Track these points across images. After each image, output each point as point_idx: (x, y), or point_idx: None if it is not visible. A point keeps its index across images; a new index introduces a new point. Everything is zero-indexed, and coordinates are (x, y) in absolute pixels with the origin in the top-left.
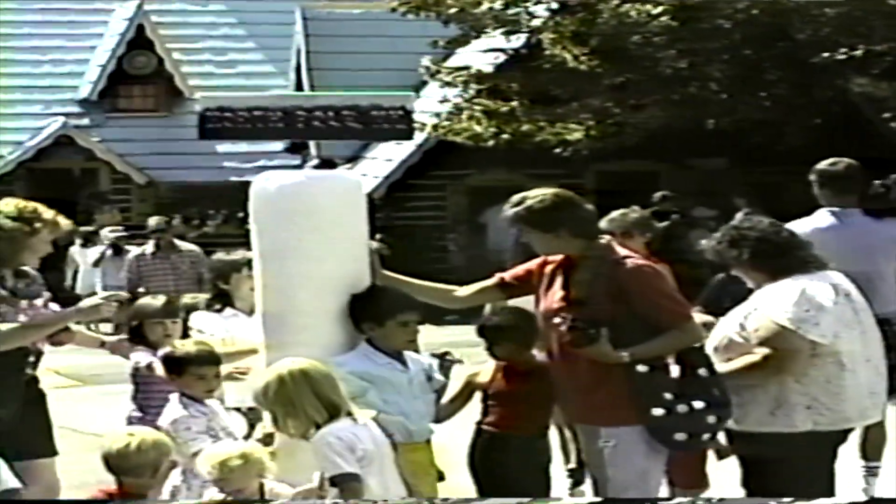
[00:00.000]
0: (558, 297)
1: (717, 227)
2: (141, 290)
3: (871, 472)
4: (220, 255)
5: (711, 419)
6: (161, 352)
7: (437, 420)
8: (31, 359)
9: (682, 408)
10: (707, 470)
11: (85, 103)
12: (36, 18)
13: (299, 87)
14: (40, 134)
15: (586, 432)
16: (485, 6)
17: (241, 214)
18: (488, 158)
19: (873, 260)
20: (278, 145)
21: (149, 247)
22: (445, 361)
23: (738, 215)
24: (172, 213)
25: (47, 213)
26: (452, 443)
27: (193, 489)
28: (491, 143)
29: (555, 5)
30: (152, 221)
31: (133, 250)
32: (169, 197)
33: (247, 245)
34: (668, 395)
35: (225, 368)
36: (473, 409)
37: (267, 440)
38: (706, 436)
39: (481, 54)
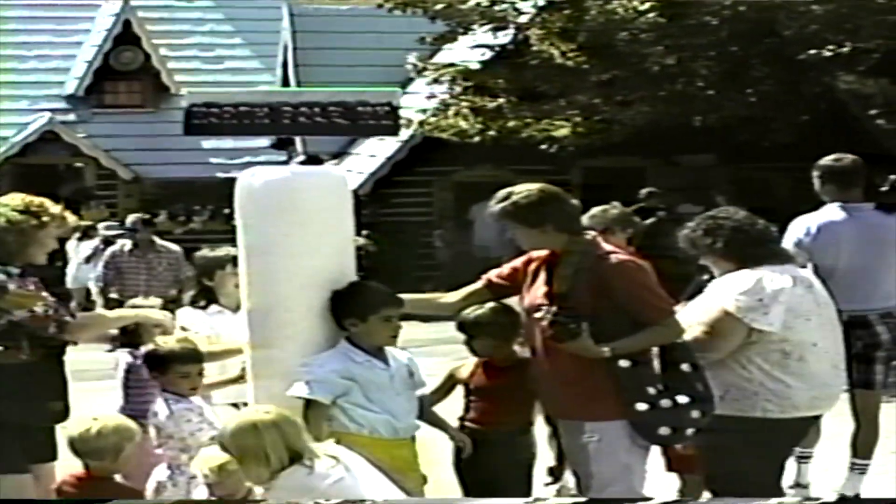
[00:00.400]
0: (541, 292)
1: None
2: (113, 288)
3: (859, 470)
4: (204, 252)
5: (695, 414)
6: (144, 349)
7: (419, 416)
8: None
9: (665, 402)
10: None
11: (71, 99)
12: (22, 14)
13: (286, 82)
14: (26, 129)
15: (569, 427)
16: (472, 2)
17: (226, 210)
18: (475, 155)
19: (883, 254)
20: (264, 141)
21: (126, 244)
22: None
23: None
24: (158, 208)
25: (54, 207)
26: (436, 439)
27: (180, 485)
28: (477, 139)
29: (542, 2)
30: (129, 219)
31: (111, 246)
32: (154, 193)
33: (233, 241)
34: (651, 390)
35: (209, 366)
36: (457, 406)
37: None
38: (690, 430)
39: (468, 50)
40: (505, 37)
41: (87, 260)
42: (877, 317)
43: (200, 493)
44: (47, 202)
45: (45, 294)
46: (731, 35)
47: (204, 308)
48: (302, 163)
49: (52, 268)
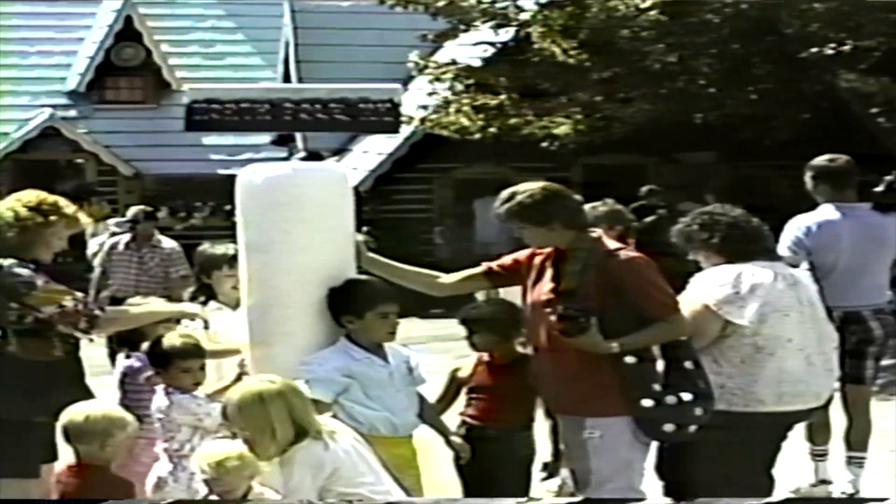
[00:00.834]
0: (547, 288)
1: None
2: (110, 282)
3: (856, 463)
4: (204, 248)
5: (698, 411)
6: (145, 345)
7: (425, 421)
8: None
9: (670, 399)
10: None
11: (72, 95)
12: (24, 10)
13: (287, 79)
14: (27, 125)
15: (569, 423)
16: (473, 0)
17: (227, 207)
18: (476, 152)
19: (879, 252)
20: (265, 138)
21: (124, 238)
22: None
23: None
24: (159, 205)
25: (68, 207)
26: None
27: (181, 481)
28: (478, 136)
29: None
30: (131, 211)
31: (109, 240)
32: (155, 189)
33: (233, 237)
34: (656, 387)
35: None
36: (458, 403)
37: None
38: (692, 427)
39: (469, 48)
40: (506, 34)
41: (94, 256)
42: (870, 313)
43: (201, 488)
44: (61, 201)
45: (67, 289)
46: (733, 33)
47: (203, 304)
48: (303, 159)
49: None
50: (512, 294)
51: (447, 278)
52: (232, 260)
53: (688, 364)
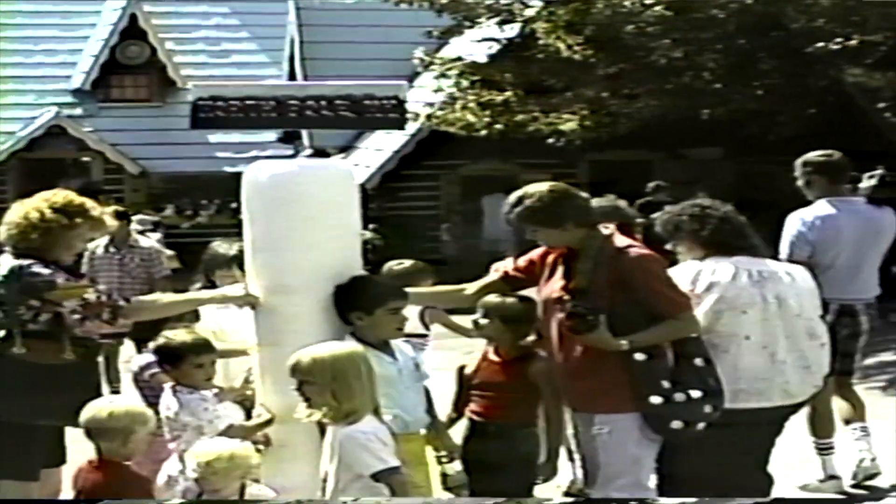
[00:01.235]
0: (558, 285)
1: None
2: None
3: (824, 450)
4: (213, 246)
5: (707, 408)
6: (153, 344)
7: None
8: None
9: (679, 396)
10: None
11: (78, 93)
12: (29, 8)
13: (292, 77)
14: (33, 124)
15: (581, 419)
16: None
17: (233, 204)
18: (482, 148)
19: (875, 247)
20: (271, 135)
21: (102, 241)
22: None
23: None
24: (165, 203)
25: (94, 209)
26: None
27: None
28: (484, 133)
29: None
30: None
31: (89, 246)
32: (161, 187)
33: (239, 235)
34: (665, 384)
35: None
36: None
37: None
38: (701, 425)
39: (475, 44)
40: (512, 30)
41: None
42: (863, 307)
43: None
44: (89, 203)
45: (88, 283)
46: (738, 28)
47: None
48: (309, 157)
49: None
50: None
51: (470, 288)
52: (234, 260)
53: (698, 361)
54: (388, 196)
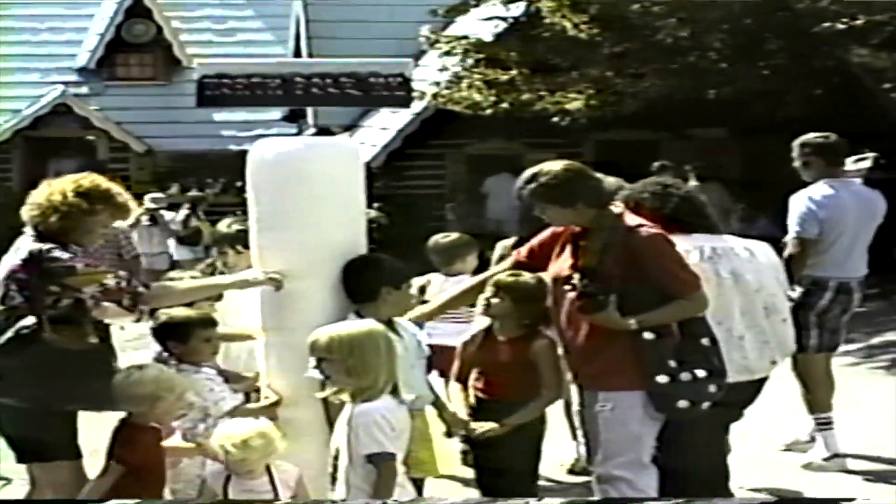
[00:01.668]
0: (567, 264)
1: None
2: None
3: (823, 426)
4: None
5: (712, 388)
6: (153, 322)
7: None
8: None
9: (685, 376)
10: None
11: (83, 72)
12: None
13: (298, 55)
14: (38, 102)
15: (587, 397)
16: None
17: (238, 183)
18: (487, 128)
19: (870, 226)
20: (276, 114)
21: None
22: None
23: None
24: (170, 181)
25: (119, 196)
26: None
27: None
28: (490, 112)
29: None
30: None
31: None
32: (167, 165)
33: (245, 213)
34: (672, 363)
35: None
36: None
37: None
38: (706, 404)
39: (480, 23)
40: (517, 9)
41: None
42: (857, 284)
43: (213, 467)
44: (115, 189)
45: (107, 268)
46: (744, 8)
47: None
48: (313, 135)
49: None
50: None
51: (480, 280)
52: (225, 238)
53: (704, 341)
54: (394, 175)
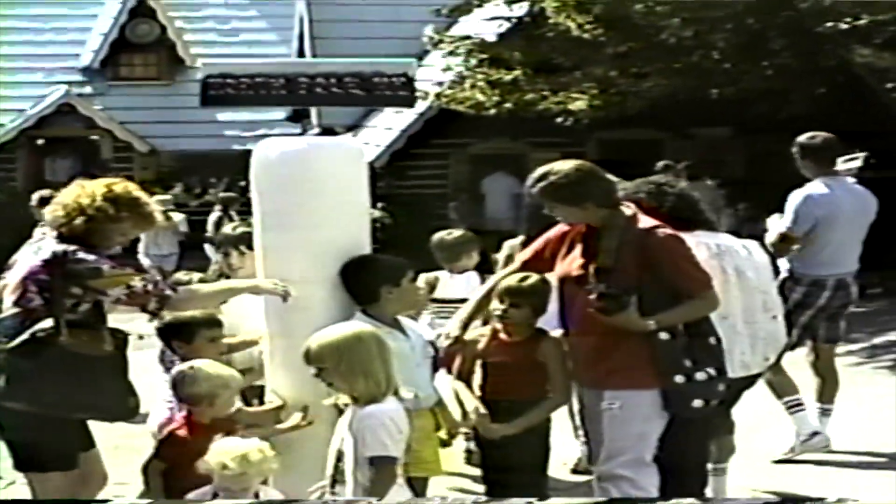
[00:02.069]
0: (578, 263)
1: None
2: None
3: (827, 414)
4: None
5: (721, 386)
6: (158, 322)
7: None
8: None
9: (700, 375)
10: None
11: (87, 71)
12: None
13: (302, 55)
14: (42, 102)
15: (593, 396)
16: None
17: (242, 183)
18: (490, 127)
19: (863, 223)
20: (280, 114)
21: None
22: None
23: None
24: (174, 181)
25: (146, 207)
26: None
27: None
28: (493, 111)
29: None
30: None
31: None
32: (170, 165)
33: (248, 213)
34: (688, 363)
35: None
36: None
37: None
38: (715, 402)
39: (484, 23)
40: (521, 9)
41: None
42: (852, 278)
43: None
44: (144, 198)
45: (134, 271)
46: (748, 7)
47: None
48: (317, 135)
49: None
50: None
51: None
52: (239, 240)
53: (711, 340)
54: (397, 175)
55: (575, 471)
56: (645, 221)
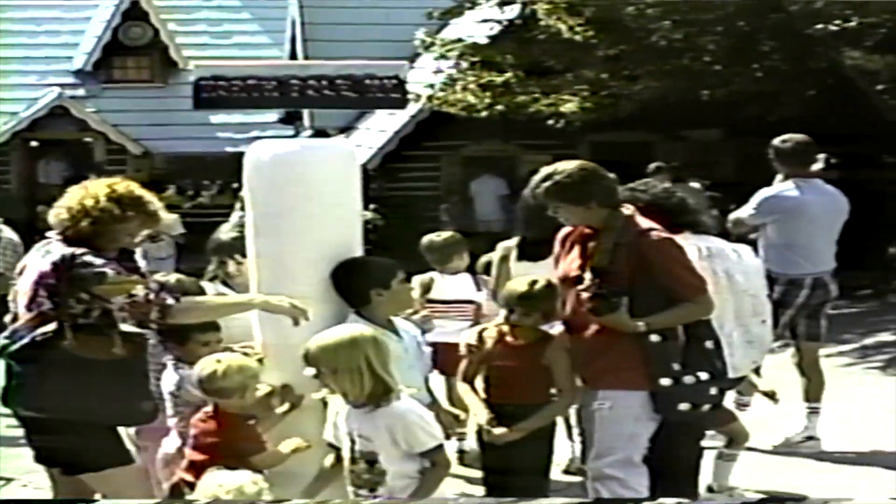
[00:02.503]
0: (576, 264)
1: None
2: None
3: (814, 413)
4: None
5: (713, 391)
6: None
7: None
8: None
9: (688, 379)
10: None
11: (80, 74)
12: None
13: (294, 57)
14: (35, 104)
15: (587, 396)
16: None
17: (235, 185)
18: (482, 130)
19: (835, 223)
20: (272, 116)
21: None
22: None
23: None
24: (167, 183)
25: (151, 205)
26: None
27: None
28: (485, 114)
29: None
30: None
31: None
32: (163, 167)
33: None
34: (676, 366)
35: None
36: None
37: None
38: (706, 407)
39: (475, 25)
40: (512, 11)
41: None
42: (829, 276)
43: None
44: (147, 197)
45: (139, 278)
46: (738, 10)
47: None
48: (310, 137)
49: None
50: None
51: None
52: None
53: (708, 344)
54: (389, 177)
55: (566, 471)
56: (642, 223)
